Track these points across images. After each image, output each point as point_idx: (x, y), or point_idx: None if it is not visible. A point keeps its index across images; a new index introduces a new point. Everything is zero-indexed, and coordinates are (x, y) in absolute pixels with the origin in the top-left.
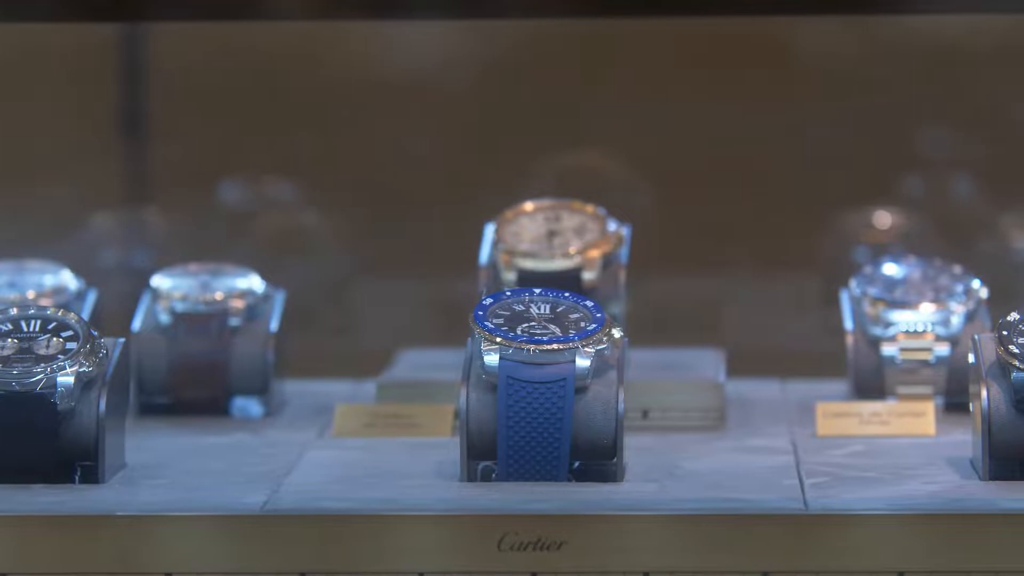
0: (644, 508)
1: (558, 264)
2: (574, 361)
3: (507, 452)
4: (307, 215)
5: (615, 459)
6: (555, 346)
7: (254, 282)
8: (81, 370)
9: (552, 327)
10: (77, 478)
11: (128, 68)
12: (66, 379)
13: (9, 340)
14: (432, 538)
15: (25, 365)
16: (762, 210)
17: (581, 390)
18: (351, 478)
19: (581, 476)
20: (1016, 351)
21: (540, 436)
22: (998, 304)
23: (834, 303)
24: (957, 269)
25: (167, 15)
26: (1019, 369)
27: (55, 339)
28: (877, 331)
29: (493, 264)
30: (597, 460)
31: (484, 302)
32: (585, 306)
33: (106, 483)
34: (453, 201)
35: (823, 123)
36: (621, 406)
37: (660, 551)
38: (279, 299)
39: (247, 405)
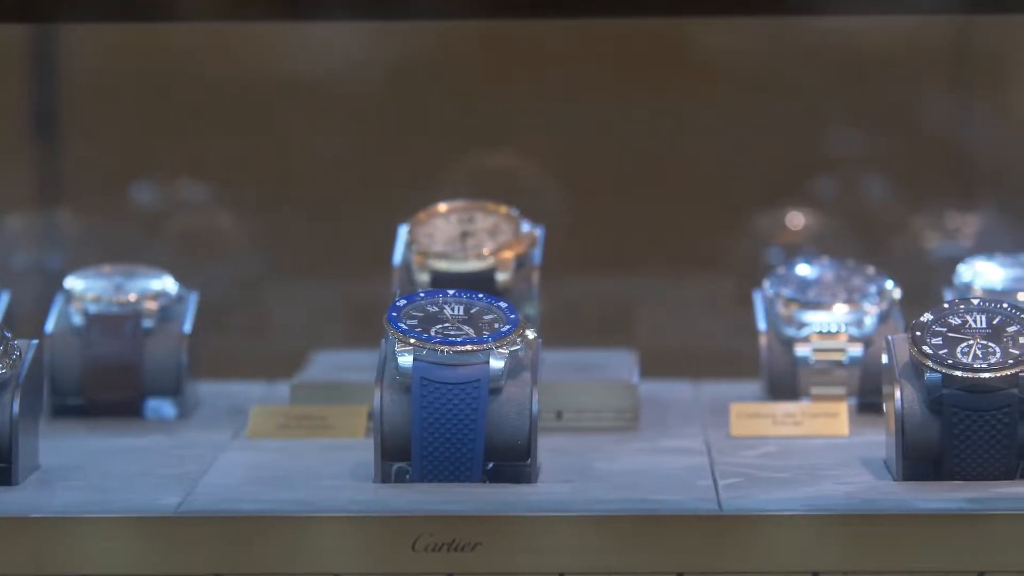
0: (558, 509)
1: (472, 265)
2: (488, 362)
3: (421, 453)
4: (220, 216)
5: (529, 460)
6: (469, 347)
7: (167, 283)
8: None
9: (466, 328)
10: None
11: (39, 69)
12: None
13: None
14: (347, 539)
15: None
16: (675, 211)
17: (495, 391)
18: (265, 479)
19: (495, 477)
20: (929, 352)
21: (454, 437)
22: (911, 305)
23: (747, 304)
24: (870, 270)
25: (78, 16)
26: (932, 370)
27: None
28: (790, 332)
29: (407, 265)
30: (511, 461)
31: (398, 303)
32: (499, 307)
33: (20, 485)
34: (366, 202)
35: (735, 124)
36: (535, 407)
37: (575, 552)
38: (192, 300)
39: (161, 406)
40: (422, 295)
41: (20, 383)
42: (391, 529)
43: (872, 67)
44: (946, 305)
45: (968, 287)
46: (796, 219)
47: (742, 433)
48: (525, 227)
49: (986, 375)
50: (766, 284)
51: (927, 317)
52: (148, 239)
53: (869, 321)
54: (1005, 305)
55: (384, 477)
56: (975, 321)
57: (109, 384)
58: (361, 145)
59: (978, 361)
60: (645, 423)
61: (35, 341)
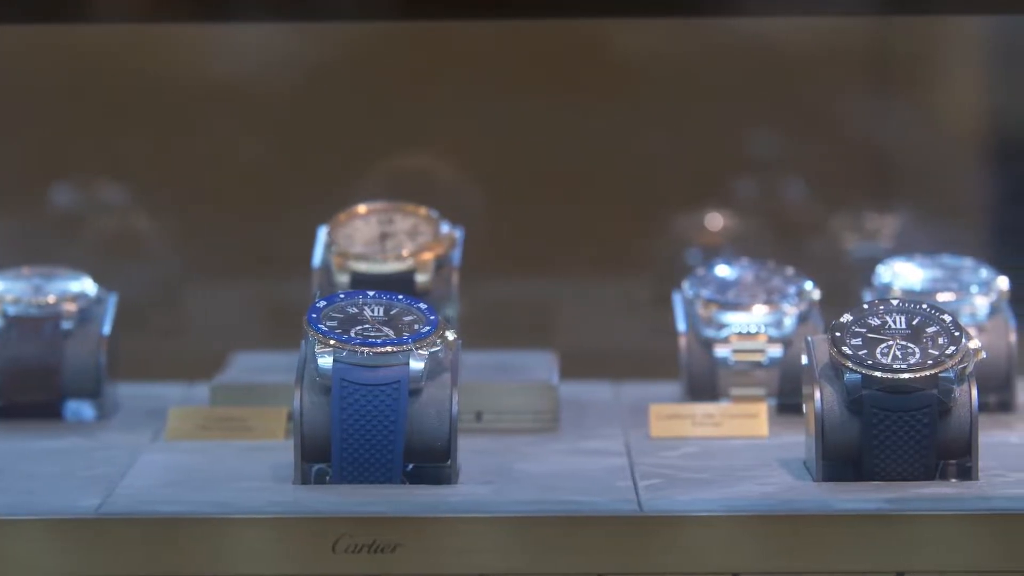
0: (479, 510)
1: (391, 267)
2: (408, 363)
3: (341, 455)
4: (138, 217)
5: (449, 461)
6: (389, 348)
7: (86, 285)
8: None
9: (386, 329)
10: None
11: None
12: None
13: None
14: (266, 541)
15: None
16: (594, 212)
17: (415, 392)
18: (185, 481)
19: (415, 479)
20: (849, 352)
21: (374, 439)
22: (830, 306)
23: (666, 305)
24: (789, 271)
25: None
26: (852, 370)
27: None
28: (710, 333)
29: (326, 266)
30: (431, 462)
31: (318, 304)
32: (418, 308)
33: None
34: (285, 203)
35: (654, 125)
36: (455, 408)
37: (495, 553)
38: (111, 302)
39: (80, 408)
40: (342, 296)
41: None
42: (311, 531)
43: (790, 69)
44: (865, 306)
45: (887, 288)
46: (715, 220)
47: (662, 434)
48: (444, 228)
49: (905, 376)
50: (685, 285)
51: (847, 318)
52: (67, 241)
53: (788, 322)
54: (924, 306)
55: (304, 479)
56: (894, 322)
57: (28, 386)
58: (280, 146)
59: (897, 362)
60: (565, 424)
61: None
